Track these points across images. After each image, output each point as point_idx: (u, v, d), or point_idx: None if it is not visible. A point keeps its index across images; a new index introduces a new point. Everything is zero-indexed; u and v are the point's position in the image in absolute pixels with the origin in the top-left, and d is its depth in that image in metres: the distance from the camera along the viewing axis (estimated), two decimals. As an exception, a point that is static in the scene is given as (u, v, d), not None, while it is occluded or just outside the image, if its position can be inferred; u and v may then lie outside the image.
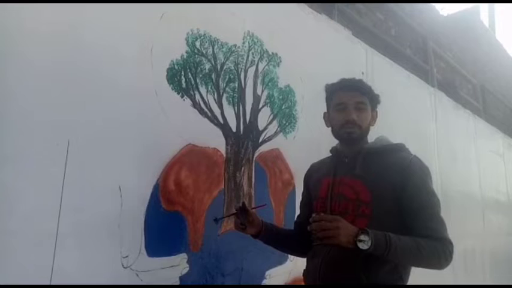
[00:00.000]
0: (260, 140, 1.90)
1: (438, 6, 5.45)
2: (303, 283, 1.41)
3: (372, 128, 1.40)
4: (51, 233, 1.17)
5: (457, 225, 3.29)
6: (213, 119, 1.69)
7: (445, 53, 4.99)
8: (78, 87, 1.27)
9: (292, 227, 1.55)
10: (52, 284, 1.15)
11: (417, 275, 1.31)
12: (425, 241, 1.17)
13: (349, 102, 1.33)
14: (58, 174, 1.20)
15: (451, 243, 1.21)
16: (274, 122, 1.99)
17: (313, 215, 1.17)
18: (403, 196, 1.24)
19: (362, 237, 1.10)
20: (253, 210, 1.44)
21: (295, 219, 1.54)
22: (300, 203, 1.55)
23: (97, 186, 1.29)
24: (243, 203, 1.39)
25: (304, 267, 1.41)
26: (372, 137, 1.41)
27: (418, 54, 4.33)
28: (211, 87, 1.70)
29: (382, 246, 1.11)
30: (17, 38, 1.15)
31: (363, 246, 1.09)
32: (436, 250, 1.17)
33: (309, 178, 1.51)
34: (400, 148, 1.36)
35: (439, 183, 3.34)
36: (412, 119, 3.26)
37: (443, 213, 1.27)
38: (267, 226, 1.43)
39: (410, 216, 1.23)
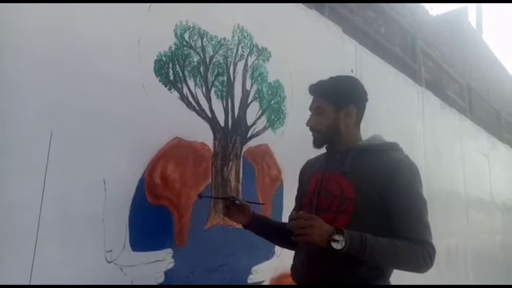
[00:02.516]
0: (248, 135, 1.89)
1: (427, 6, 5.49)
2: (289, 279, 1.41)
3: (361, 125, 1.39)
4: (32, 227, 1.14)
5: (441, 223, 3.34)
6: (200, 113, 1.67)
7: (433, 52, 5.04)
8: (63, 77, 1.24)
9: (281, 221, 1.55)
10: (32, 278, 1.13)
11: (399, 272, 1.31)
12: (404, 244, 1.16)
13: (311, 108, 1.39)
14: (40, 166, 1.17)
15: (432, 248, 1.19)
16: (263, 117, 1.97)
17: (293, 212, 1.18)
18: (388, 196, 1.22)
19: (336, 237, 1.10)
20: (244, 202, 1.48)
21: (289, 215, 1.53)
22: (295, 198, 1.55)
23: (80, 179, 1.27)
24: (233, 197, 1.47)
25: (292, 263, 1.41)
26: (363, 135, 1.40)
27: (407, 53, 4.36)
28: (199, 81, 1.68)
29: (357, 247, 1.11)
30: (1, 31, 1.12)
31: (336, 246, 1.10)
32: (415, 254, 1.15)
33: (304, 174, 1.52)
34: (392, 147, 1.34)
35: (424, 182, 3.36)
36: (400, 117, 3.29)
37: (428, 211, 1.26)
38: (258, 217, 1.46)
39: (395, 217, 1.22)
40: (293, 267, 1.39)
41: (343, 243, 1.10)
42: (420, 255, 1.16)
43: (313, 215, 1.17)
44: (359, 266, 1.20)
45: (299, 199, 1.51)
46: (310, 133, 1.39)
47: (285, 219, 1.55)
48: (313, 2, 2.68)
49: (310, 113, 1.45)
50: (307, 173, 1.48)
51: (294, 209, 1.52)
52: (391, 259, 1.17)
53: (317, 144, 1.37)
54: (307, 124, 1.38)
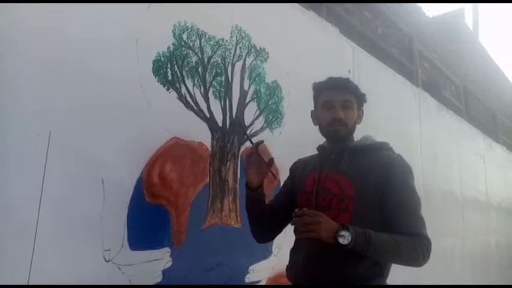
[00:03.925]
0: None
1: (424, 7, 5.52)
2: (286, 278, 1.41)
3: (357, 126, 1.41)
4: (30, 226, 1.14)
5: (437, 223, 3.36)
6: (199, 113, 1.68)
7: (430, 53, 5.06)
8: (62, 77, 1.25)
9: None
10: (31, 276, 1.13)
11: (395, 271, 1.33)
12: (403, 238, 1.20)
13: (336, 101, 1.34)
14: (39, 165, 1.17)
15: (428, 240, 1.24)
16: (261, 118, 1.98)
17: (296, 209, 1.19)
18: (384, 193, 1.26)
19: (342, 232, 1.12)
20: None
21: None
22: (281, 189, 1.55)
23: (79, 179, 1.27)
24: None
25: (287, 263, 1.42)
26: (357, 135, 1.42)
27: (404, 54, 4.38)
28: (197, 81, 1.68)
29: (362, 242, 1.14)
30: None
31: (343, 241, 1.12)
32: (414, 247, 1.20)
33: (295, 170, 1.52)
34: (384, 147, 1.39)
35: (420, 182, 3.39)
36: (397, 118, 3.30)
37: (424, 211, 1.29)
38: (263, 189, 1.43)
39: (391, 213, 1.25)
40: (290, 267, 1.40)
41: (350, 239, 1.12)
42: (419, 248, 1.20)
43: (318, 212, 1.18)
44: (359, 264, 1.22)
45: (285, 191, 1.50)
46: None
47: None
48: (311, 1, 2.69)
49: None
50: (299, 171, 1.49)
51: (272, 199, 1.50)
52: (392, 254, 1.20)
53: (340, 138, 1.35)
54: (335, 116, 1.32)
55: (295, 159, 1.57)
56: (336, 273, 1.23)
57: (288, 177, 1.55)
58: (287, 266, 1.42)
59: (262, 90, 2.00)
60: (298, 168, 1.51)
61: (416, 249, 1.20)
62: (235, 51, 1.87)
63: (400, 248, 1.18)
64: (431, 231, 1.27)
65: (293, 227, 1.20)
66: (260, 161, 1.39)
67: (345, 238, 1.12)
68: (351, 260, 1.20)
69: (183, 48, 1.63)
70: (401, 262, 1.25)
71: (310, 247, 1.27)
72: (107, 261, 1.32)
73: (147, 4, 1.51)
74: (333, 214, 1.24)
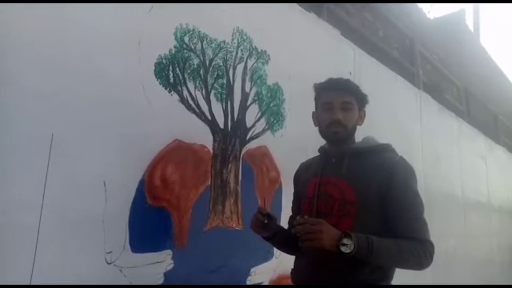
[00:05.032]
0: (248, 137, 1.90)
1: (425, 9, 5.53)
2: (288, 280, 1.41)
3: (358, 127, 1.40)
4: (33, 228, 1.15)
5: (438, 225, 3.35)
6: (200, 115, 1.68)
7: (431, 55, 5.06)
8: (64, 79, 1.25)
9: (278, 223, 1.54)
10: (33, 279, 1.13)
11: (396, 274, 1.32)
12: (406, 243, 1.18)
13: (335, 102, 1.33)
14: (41, 168, 1.18)
15: (432, 245, 1.22)
16: (262, 120, 1.98)
17: (298, 217, 1.18)
18: (387, 196, 1.24)
19: (345, 240, 1.11)
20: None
21: (289, 219, 1.52)
22: (292, 203, 1.54)
23: (81, 181, 1.27)
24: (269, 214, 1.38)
25: (292, 266, 1.41)
26: (358, 137, 1.41)
27: (405, 56, 4.38)
28: (199, 83, 1.69)
29: (364, 249, 1.12)
30: (2, 32, 1.13)
31: (345, 249, 1.11)
32: (417, 252, 1.18)
33: (298, 178, 1.51)
34: (386, 148, 1.37)
35: (422, 184, 3.39)
36: (398, 120, 3.30)
37: (426, 213, 1.28)
38: (279, 229, 1.43)
39: (393, 216, 1.24)
40: (295, 271, 1.39)
41: (352, 247, 1.11)
42: (422, 253, 1.19)
43: (320, 220, 1.16)
44: (363, 269, 1.21)
45: (296, 204, 1.50)
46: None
47: (283, 221, 1.56)
48: (312, 1, 2.70)
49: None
50: (302, 178, 1.47)
51: (291, 216, 1.51)
52: (395, 259, 1.20)
53: (339, 139, 1.33)
54: (334, 117, 1.31)
55: (297, 161, 1.56)
56: (341, 279, 1.22)
57: (294, 189, 1.53)
58: (292, 269, 1.41)
59: (264, 92, 2.01)
60: (300, 175, 1.50)
61: (419, 254, 1.19)
62: (236, 53, 1.87)
63: (403, 253, 1.17)
64: (432, 233, 1.26)
65: None
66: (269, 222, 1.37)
67: (347, 247, 1.10)
68: (354, 265, 1.19)
69: (185, 51, 1.64)
70: (404, 266, 1.24)
71: (313, 253, 1.26)
72: (108, 263, 1.32)
73: (149, 6, 1.52)
74: (335, 220, 1.22)
